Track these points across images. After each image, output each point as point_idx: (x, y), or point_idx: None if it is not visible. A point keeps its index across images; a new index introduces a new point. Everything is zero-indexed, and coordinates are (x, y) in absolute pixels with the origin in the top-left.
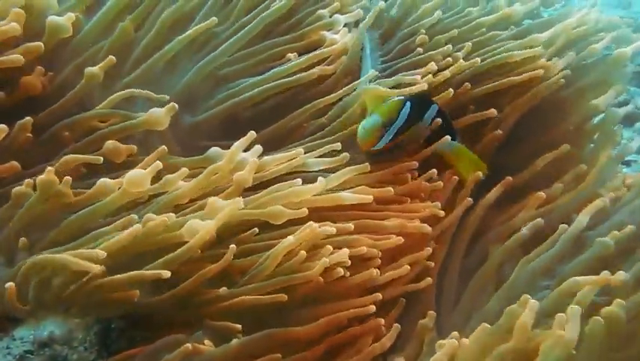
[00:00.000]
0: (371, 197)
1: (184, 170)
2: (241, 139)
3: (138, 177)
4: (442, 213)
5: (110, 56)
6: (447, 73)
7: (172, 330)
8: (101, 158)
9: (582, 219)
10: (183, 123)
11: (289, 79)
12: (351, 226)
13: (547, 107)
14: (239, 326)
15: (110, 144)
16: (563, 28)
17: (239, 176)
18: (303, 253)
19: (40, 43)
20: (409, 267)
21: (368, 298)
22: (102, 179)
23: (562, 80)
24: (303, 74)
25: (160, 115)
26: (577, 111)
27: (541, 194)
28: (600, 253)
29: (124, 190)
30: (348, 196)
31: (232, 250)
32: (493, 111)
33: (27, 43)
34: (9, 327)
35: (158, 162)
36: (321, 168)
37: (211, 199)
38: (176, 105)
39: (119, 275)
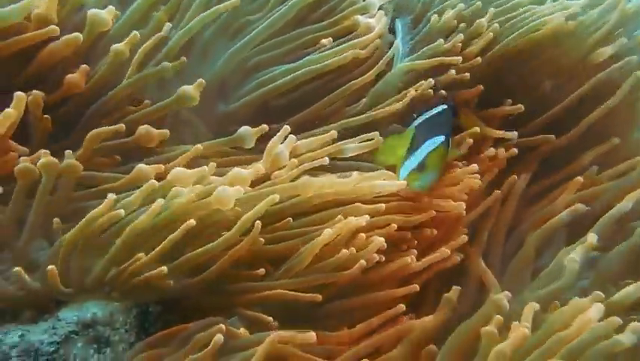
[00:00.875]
0: (403, 182)
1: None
2: (277, 135)
3: (183, 175)
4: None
5: (135, 32)
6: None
7: (206, 315)
8: (123, 126)
9: (625, 204)
10: (216, 112)
11: (322, 64)
12: (382, 205)
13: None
14: (270, 318)
15: (142, 129)
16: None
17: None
18: (344, 251)
19: (79, 35)
20: (448, 251)
21: (403, 289)
22: (139, 165)
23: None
24: (336, 58)
25: (190, 91)
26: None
27: (579, 179)
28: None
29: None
30: (384, 184)
31: (257, 226)
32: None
33: (66, 36)
34: (54, 308)
35: (205, 167)
36: (356, 153)
37: (235, 169)
38: (204, 81)
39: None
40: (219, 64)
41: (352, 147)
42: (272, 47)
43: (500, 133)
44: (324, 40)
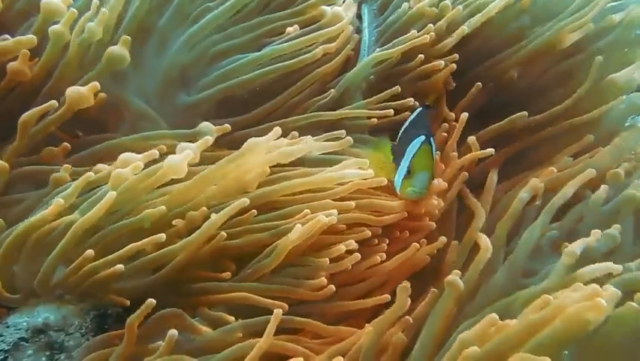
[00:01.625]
0: (371, 172)
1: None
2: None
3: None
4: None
5: (72, 10)
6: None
7: None
8: (55, 102)
9: (568, 190)
10: (178, 103)
11: (291, 61)
12: (352, 203)
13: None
14: (233, 319)
15: (70, 90)
16: None
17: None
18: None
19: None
20: (417, 245)
21: (374, 300)
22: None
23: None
24: (307, 55)
25: (117, 51)
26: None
27: (552, 169)
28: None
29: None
30: (351, 173)
31: (222, 236)
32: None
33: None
34: (2, 315)
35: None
36: (324, 152)
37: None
38: (129, 38)
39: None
40: (175, 49)
41: (320, 145)
42: (234, 34)
43: (479, 153)
44: (290, 29)
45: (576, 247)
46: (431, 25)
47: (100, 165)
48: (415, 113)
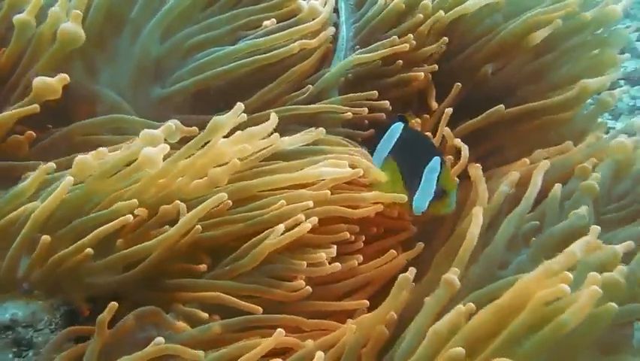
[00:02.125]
0: (349, 170)
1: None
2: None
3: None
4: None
5: None
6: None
7: None
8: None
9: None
10: (152, 96)
11: (268, 55)
12: (327, 192)
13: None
14: (207, 315)
15: (37, 80)
16: None
17: (214, 173)
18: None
19: None
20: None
21: (352, 303)
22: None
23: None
24: (283, 49)
25: (69, 28)
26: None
27: (525, 160)
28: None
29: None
30: (328, 171)
31: (197, 230)
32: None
33: None
34: None
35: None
36: (297, 145)
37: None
38: (80, 13)
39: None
40: (147, 39)
41: (292, 140)
42: (210, 27)
43: (457, 141)
44: (267, 22)
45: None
46: (411, 35)
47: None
48: (393, 128)
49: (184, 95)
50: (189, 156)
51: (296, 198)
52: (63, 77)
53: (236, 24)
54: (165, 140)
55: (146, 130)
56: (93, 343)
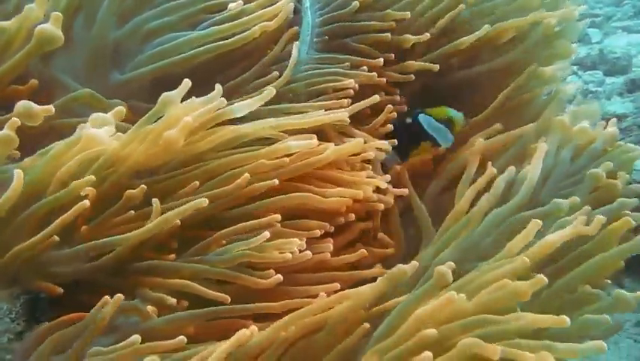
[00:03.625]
0: (316, 141)
1: None
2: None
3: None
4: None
5: None
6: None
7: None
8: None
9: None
10: (110, 81)
11: (230, 40)
12: (286, 160)
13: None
14: (174, 300)
15: (20, 105)
16: None
17: (167, 134)
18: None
19: None
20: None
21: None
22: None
23: None
24: (245, 34)
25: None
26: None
27: (481, 140)
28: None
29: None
30: (295, 144)
31: (157, 209)
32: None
33: None
34: None
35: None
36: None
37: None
38: (61, 15)
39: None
40: (103, 23)
41: (241, 105)
42: (169, 10)
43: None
44: (232, 5)
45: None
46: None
47: None
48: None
49: (143, 81)
50: None
51: (257, 170)
52: (48, 109)
53: (197, 7)
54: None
55: (96, 114)
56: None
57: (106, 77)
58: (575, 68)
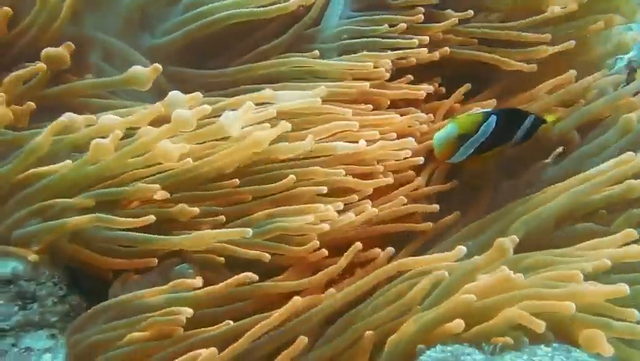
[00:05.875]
0: (365, 144)
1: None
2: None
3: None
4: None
5: None
6: None
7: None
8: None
9: None
10: (142, 45)
11: (264, 9)
12: (342, 171)
13: None
14: (222, 259)
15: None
16: None
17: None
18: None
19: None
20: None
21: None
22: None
23: None
24: (282, 5)
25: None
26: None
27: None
28: None
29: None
30: (343, 146)
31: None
32: None
33: None
34: None
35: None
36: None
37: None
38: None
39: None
40: None
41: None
42: None
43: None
44: None
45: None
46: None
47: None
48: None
49: (175, 45)
50: None
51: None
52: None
53: None
54: None
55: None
56: None
57: (137, 40)
58: None
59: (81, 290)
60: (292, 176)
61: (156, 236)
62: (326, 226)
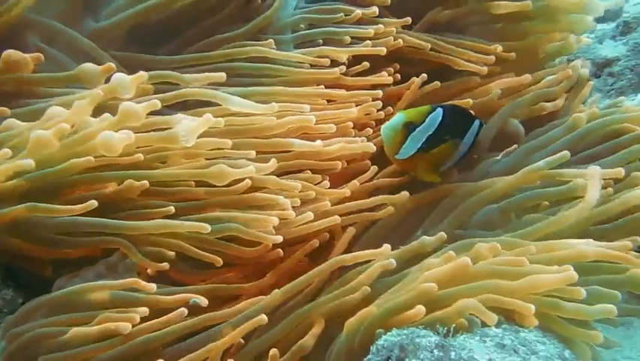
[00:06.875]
0: (321, 143)
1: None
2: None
3: None
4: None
5: None
6: None
7: None
8: None
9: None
10: (85, 29)
11: None
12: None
13: None
14: (173, 253)
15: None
16: None
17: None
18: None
19: None
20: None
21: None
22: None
23: None
24: None
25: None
26: None
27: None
28: None
29: None
30: (299, 143)
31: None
32: None
33: None
34: None
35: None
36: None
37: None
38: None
39: None
40: None
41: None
42: None
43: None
44: None
45: None
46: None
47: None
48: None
49: (120, 29)
50: None
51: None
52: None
53: None
54: None
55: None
56: None
57: (81, 24)
58: None
59: (17, 285)
60: (248, 180)
61: (112, 220)
62: (276, 220)
